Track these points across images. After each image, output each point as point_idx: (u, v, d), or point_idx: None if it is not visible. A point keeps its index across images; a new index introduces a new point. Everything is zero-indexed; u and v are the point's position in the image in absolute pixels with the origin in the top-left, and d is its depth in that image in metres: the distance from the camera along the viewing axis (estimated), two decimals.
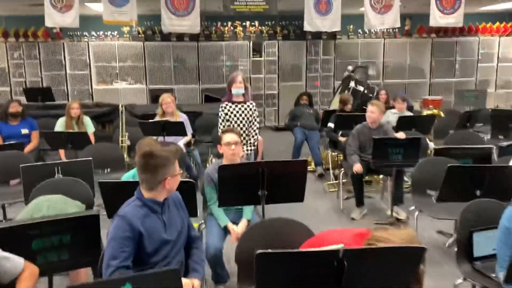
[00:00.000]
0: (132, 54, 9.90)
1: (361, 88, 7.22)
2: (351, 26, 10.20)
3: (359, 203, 4.59)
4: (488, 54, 10.69)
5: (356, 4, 8.73)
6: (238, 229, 2.94)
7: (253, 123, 4.23)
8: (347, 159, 4.65)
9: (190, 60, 10.07)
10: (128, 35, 9.86)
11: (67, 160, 4.11)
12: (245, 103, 4.20)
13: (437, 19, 8.09)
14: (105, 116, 6.93)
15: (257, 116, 4.30)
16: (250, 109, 4.21)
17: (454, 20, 8.13)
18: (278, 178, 2.50)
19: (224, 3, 7.73)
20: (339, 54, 10.35)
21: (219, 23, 10.14)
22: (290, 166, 2.61)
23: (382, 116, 4.60)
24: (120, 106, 5.57)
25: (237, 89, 4.14)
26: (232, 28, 10.16)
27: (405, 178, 5.24)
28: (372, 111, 4.51)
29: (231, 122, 4.14)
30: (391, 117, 5.88)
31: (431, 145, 5.77)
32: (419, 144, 4.18)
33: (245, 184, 2.47)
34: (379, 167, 4.25)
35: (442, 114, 6.57)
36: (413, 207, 3.67)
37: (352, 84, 7.38)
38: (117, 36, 9.84)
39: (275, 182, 2.50)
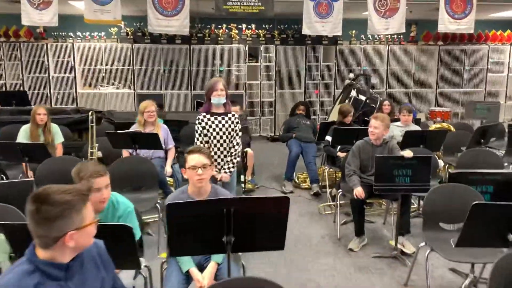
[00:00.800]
0: (120, 57, 9.32)
1: (363, 98, 6.60)
2: (354, 31, 9.61)
3: (359, 232, 3.96)
4: (498, 64, 10.09)
5: (359, 7, 8.15)
6: (204, 276, 2.32)
7: (234, 138, 3.61)
8: (346, 180, 4.02)
9: (182, 64, 9.47)
10: (116, 37, 9.28)
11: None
12: (226, 114, 3.58)
13: (446, 24, 7.50)
14: (82, 123, 6.30)
15: (240, 130, 3.68)
16: (232, 122, 3.59)
17: (465, 26, 7.54)
18: (250, 220, 1.88)
19: (216, 3, 7.16)
20: (340, 61, 9.75)
21: (213, 25, 9.55)
22: (266, 204, 1.97)
23: (387, 131, 3.98)
24: (89, 114, 4.93)
25: (218, 98, 3.52)
26: (227, 31, 9.58)
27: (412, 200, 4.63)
28: (375, 126, 3.89)
29: (209, 137, 3.52)
30: (396, 131, 5.26)
31: (440, 163, 5.15)
32: (430, 165, 3.57)
33: (205, 227, 1.84)
34: (383, 191, 3.63)
35: (452, 128, 5.94)
36: (422, 244, 3.04)
37: (353, 93, 6.77)
38: (104, 37, 9.26)
39: (246, 225, 1.88)
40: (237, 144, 3.64)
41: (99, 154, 4.90)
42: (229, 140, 3.56)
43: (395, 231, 3.78)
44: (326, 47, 9.67)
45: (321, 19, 7.40)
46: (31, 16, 6.74)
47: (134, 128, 4.73)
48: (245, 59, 9.48)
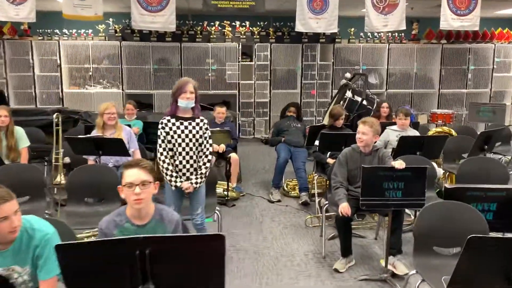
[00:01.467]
0: (108, 55, 8.93)
1: (358, 99, 6.17)
2: (352, 29, 9.17)
3: (345, 252, 3.53)
4: (504, 63, 9.60)
5: (357, 4, 7.70)
6: None
7: (204, 146, 3.20)
8: (332, 192, 3.59)
9: (172, 62, 9.08)
10: (103, 34, 8.90)
11: None
12: (193, 119, 3.17)
13: (449, 21, 7.04)
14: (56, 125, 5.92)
15: (210, 137, 3.26)
16: (201, 128, 3.18)
17: (469, 22, 7.09)
18: (173, 263, 1.46)
19: None
20: (339, 60, 9.31)
21: (205, 23, 9.15)
22: (193, 244, 1.53)
23: (377, 138, 3.56)
24: (54, 115, 4.54)
25: (186, 102, 3.11)
26: (220, 28, 9.17)
27: (407, 211, 4.22)
28: (363, 132, 3.47)
29: (174, 145, 3.10)
30: (391, 135, 4.84)
31: (440, 171, 4.72)
32: (425, 176, 3.14)
33: (112, 276, 1.42)
34: (370, 206, 3.21)
35: (454, 133, 5.49)
36: (413, 272, 2.61)
37: (348, 94, 6.34)
38: (92, 34, 8.88)
39: (168, 270, 1.46)
40: (209, 152, 3.23)
41: (67, 160, 4.53)
42: (196, 148, 3.15)
43: (385, 251, 3.35)
44: (323, 45, 9.23)
45: (315, 15, 6.97)
46: (7, 11, 6.37)
47: (94, 132, 4.34)
48: (238, 58, 9.07)
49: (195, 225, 3.24)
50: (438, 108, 9.43)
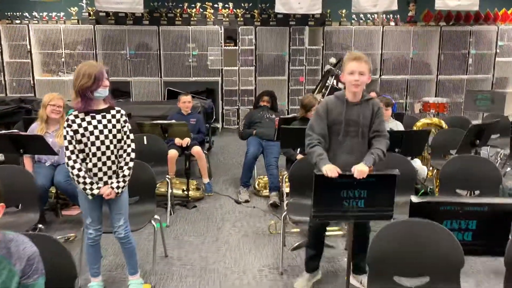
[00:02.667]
0: (82, 40, 8.37)
1: (342, 87, 5.56)
2: (344, 11, 8.51)
3: (312, 267, 2.99)
4: (508, 47, 8.92)
5: None
6: None
7: (125, 142, 2.66)
8: (307, 155, 2.77)
9: (150, 47, 8.50)
10: (76, 17, 8.33)
11: None
12: (108, 111, 2.62)
13: (446, 0, 6.39)
14: (7, 116, 5.42)
15: (130, 131, 2.71)
16: (118, 121, 2.63)
17: (468, 1, 6.44)
18: None
19: None
20: (329, 44, 8.67)
21: (186, 4, 8.54)
22: None
23: (369, 79, 2.66)
24: None
25: (105, 90, 2.57)
26: (201, 10, 8.56)
27: None
28: (360, 71, 2.55)
29: (86, 144, 2.55)
30: None
31: (424, 170, 4.16)
32: (394, 185, 2.57)
33: None
34: (325, 218, 2.66)
35: (444, 125, 4.90)
36: None
37: (330, 80, 5.74)
38: (64, 18, 8.31)
39: None
40: (131, 150, 2.69)
41: (1, 157, 4.01)
42: (115, 146, 2.60)
43: (347, 266, 2.80)
44: (312, 28, 8.60)
45: None
46: None
47: (35, 127, 3.82)
48: (221, 42, 8.47)
49: (118, 239, 2.71)
50: (436, 96, 8.82)
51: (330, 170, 2.46)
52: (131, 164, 2.67)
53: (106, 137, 2.56)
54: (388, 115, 4.28)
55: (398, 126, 4.31)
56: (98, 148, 2.55)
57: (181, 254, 3.47)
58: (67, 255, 1.91)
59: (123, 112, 2.66)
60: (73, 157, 2.51)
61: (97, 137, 2.54)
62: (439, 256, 2.04)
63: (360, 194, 2.55)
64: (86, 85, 2.49)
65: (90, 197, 2.56)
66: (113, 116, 2.60)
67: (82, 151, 2.54)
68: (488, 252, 2.18)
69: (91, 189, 2.55)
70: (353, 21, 8.66)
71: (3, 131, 3.52)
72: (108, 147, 2.57)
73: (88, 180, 2.54)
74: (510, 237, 2.08)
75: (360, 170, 2.46)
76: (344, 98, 2.68)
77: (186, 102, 5.14)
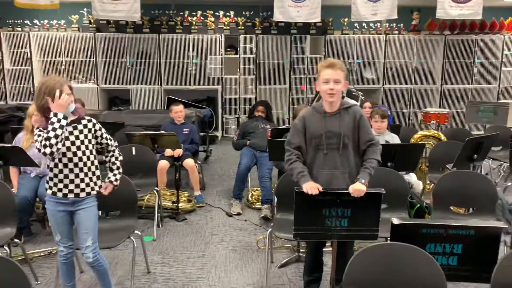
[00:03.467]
0: (82, 48, 8.35)
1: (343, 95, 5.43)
2: (346, 19, 8.40)
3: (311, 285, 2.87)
4: None
5: None
6: None
7: (106, 144, 2.64)
8: (287, 169, 2.66)
9: (150, 56, 8.45)
10: (77, 25, 8.32)
11: None
12: (79, 122, 2.52)
13: (447, 9, 6.32)
14: (3, 124, 5.38)
15: (105, 133, 2.65)
16: (90, 130, 2.53)
17: (470, 11, 6.32)
18: None
19: None
20: (331, 53, 8.55)
21: (186, 12, 8.50)
22: None
23: (346, 86, 2.57)
24: None
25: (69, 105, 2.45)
26: (202, 18, 8.51)
27: None
28: (336, 79, 2.44)
29: (60, 161, 2.45)
30: None
31: (419, 185, 4.02)
32: (379, 203, 2.45)
33: None
34: (307, 237, 2.54)
35: (443, 137, 4.75)
36: None
37: None
38: (64, 26, 8.31)
39: None
40: (115, 146, 2.73)
41: None
42: (88, 158, 2.50)
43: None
44: (314, 37, 8.51)
45: (295, 3, 6.30)
46: None
47: (21, 137, 3.75)
48: (221, 51, 8.40)
49: (87, 263, 2.58)
50: (440, 106, 8.66)
51: (310, 187, 2.37)
52: (120, 157, 2.72)
53: (78, 148, 2.47)
54: (384, 128, 4.16)
55: (394, 139, 4.17)
56: (70, 159, 2.45)
57: (164, 270, 3.36)
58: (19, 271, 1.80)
59: (94, 120, 2.58)
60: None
61: (68, 148, 2.44)
62: (420, 283, 1.91)
63: (344, 212, 2.45)
64: (46, 106, 2.39)
65: (56, 199, 2.46)
66: (85, 126, 2.51)
67: (55, 165, 2.45)
68: (474, 278, 2.05)
69: (59, 189, 2.44)
70: (355, 30, 8.55)
71: (20, 141, 3.46)
72: (80, 159, 2.47)
73: (55, 181, 2.44)
74: (497, 262, 1.94)
75: (358, 189, 2.36)
76: (321, 109, 2.56)
77: (178, 112, 5.06)
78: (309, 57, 8.48)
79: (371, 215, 2.44)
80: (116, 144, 2.74)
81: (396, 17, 6.43)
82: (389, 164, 3.49)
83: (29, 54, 8.17)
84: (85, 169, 2.50)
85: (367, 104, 5.11)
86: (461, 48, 8.59)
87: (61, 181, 2.46)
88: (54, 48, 8.26)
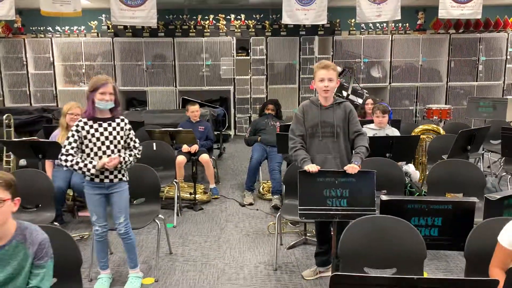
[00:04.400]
0: (101, 52, 8.81)
1: (344, 94, 5.78)
2: (353, 20, 8.71)
3: (318, 263, 3.26)
4: None
5: None
6: None
7: (131, 139, 3.02)
8: (292, 158, 3.09)
9: (166, 58, 8.87)
10: (96, 30, 8.78)
11: None
12: (113, 120, 2.91)
13: (449, 9, 6.59)
14: (30, 125, 5.82)
15: (135, 136, 3.04)
16: (122, 128, 2.93)
17: (470, 10, 6.59)
18: None
19: None
20: (339, 53, 8.88)
21: (199, 17, 8.90)
22: None
23: (338, 83, 3.02)
24: (5, 116, 4.38)
25: (105, 103, 2.82)
26: (214, 22, 8.90)
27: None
28: (330, 77, 2.87)
29: (92, 149, 2.82)
30: (369, 134, 4.45)
31: (417, 174, 4.33)
32: (373, 182, 2.79)
33: None
34: (311, 217, 2.89)
35: (441, 131, 5.05)
36: None
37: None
38: (84, 31, 8.78)
39: None
40: (138, 144, 3.05)
41: (23, 162, 4.37)
42: (119, 151, 2.90)
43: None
44: (322, 38, 8.85)
45: (303, 6, 6.62)
46: None
47: (57, 134, 4.16)
48: (233, 52, 8.79)
49: (119, 234, 2.99)
50: (446, 103, 8.92)
51: (311, 167, 2.73)
52: (138, 156, 3.01)
53: (111, 142, 2.86)
54: (385, 122, 4.47)
55: (395, 133, 4.48)
56: (104, 152, 2.84)
57: (185, 251, 3.74)
58: (73, 245, 2.19)
59: (126, 121, 2.97)
60: (71, 150, 2.75)
61: (102, 142, 2.83)
62: (404, 250, 2.24)
63: (342, 193, 2.79)
64: (88, 91, 2.82)
65: (92, 170, 2.80)
66: (118, 124, 2.90)
67: (82, 151, 2.83)
68: (452, 247, 2.38)
69: (89, 169, 2.79)
70: (362, 30, 8.86)
71: (25, 138, 3.86)
72: (113, 151, 2.86)
73: (85, 162, 2.79)
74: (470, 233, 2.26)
75: (351, 167, 2.73)
76: (318, 102, 3.00)
77: (194, 111, 5.43)
78: (317, 57, 8.81)
79: (367, 194, 2.77)
80: (140, 148, 3.05)
81: (399, 18, 6.73)
82: (387, 154, 3.81)
83: (51, 58, 8.65)
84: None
85: (370, 101, 5.42)
86: (466, 46, 8.85)
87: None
88: (75, 52, 8.74)
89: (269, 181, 5.16)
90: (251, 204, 4.93)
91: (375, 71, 9.02)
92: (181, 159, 4.99)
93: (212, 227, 4.29)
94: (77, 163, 2.77)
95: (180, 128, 4.96)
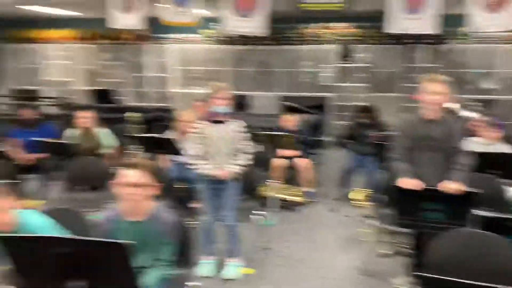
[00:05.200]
0: (212, 58, 9.50)
1: (454, 108, 5.57)
2: (461, 28, 8.31)
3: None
4: None
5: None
6: None
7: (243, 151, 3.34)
8: (392, 170, 3.18)
9: (271, 65, 9.28)
10: (207, 38, 9.47)
11: None
12: (230, 123, 3.29)
13: None
14: (157, 120, 6.57)
15: (247, 138, 3.38)
16: (237, 131, 3.28)
17: None
18: (84, 265, 1.56)
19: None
20: (446, 62, 8.54)
21: (302, 25, 9.16)
22: (93, 248, 1.62)
23: (446, 98, 2.98)
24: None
25: (222, 108, 3.22)
26: (317, 30, 9.10)
27: None
28: (437, 91, 2.89)
29: (209, 147, 3.23)
30: (474, 149, 4.31)
31: None
32: (471, 201, 2.79)
33: (47, 268, 1.58)
34: (408, 226, 2.95)
35: None
36: None
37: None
38: (198, 39, 9.51)
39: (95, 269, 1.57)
40: (249, 148, 3.38)
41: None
42: (230, 150, 3.25)
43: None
44: (426, 46, 8.58)
45: (410, 14, 6.51)
46: (118, 19, 7.16)
47: (171, 135, 4.65)
48: (335, 60, 8.91)
49: (226, 225, 3.34)
50: None
51: (410, 182, 2.84)
52: (247, 156, 3.32)
53: (226, 142, 3.22)
54: (494, 137, 4.27)
55: (506, 150, 4.27)
56: (218, 152, 3.21)
57: (280, 247, 3.99)
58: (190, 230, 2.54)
59: (243, 124, 3.31)
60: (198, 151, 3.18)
61: (215, 141, 3.21)
62: (500, 268, 2.23)
63: (440, 206, 2.83)
64: (208, 96, 3.24)
65: (201, 170, 3.19)
66: (234, 127, 3.27)
67: (207, 152, 3.23)
68: None
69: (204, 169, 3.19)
70: (472, 38, 8.42)
71: (150, 135, 4.42)
72: (225, 152, 3.22)
73: (203, 161, 3.19)
74: None
75: (450, 186, 2.79)
76: (422, 115, 3.02)
77: (288, 121, 5.67)
78: (421, 66, 8.56)
79: (463, 210, 2.78)
80: (252, 151, 3.38)
81: None
82: (494, 172, 3.68)
83: (167, 63, 9.53)
84: (225, 158, 3.23)
85: (478, 115, 5.20)
86: None
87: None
88: (188, 58, 9.52)
89: (362, 188, 5.24)
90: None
91: (486, 82, 8.52)
92: (280, 162, 5.26)
93: (306, 228, 4.50)
94: (197, 166, 3.16)
95: (282, 133, 5.23)
